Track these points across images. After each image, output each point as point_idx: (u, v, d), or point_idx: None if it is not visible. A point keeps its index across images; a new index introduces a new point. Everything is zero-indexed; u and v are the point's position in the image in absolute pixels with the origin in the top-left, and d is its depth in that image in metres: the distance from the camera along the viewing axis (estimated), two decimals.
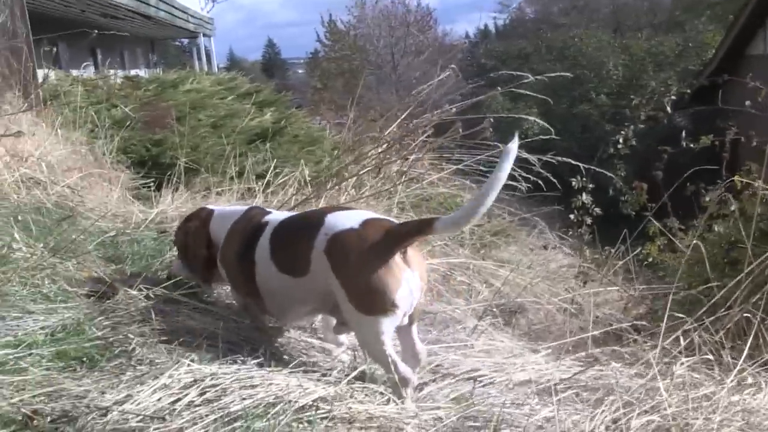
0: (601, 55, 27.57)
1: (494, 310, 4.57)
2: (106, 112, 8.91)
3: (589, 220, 6.80)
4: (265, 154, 9.07)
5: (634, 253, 7.04)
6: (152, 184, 7.67)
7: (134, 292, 3.42)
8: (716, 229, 6.62)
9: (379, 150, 6.18)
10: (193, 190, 7.54)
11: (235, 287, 3.62)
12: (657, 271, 7.69)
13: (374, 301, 2.89)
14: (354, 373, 2.80)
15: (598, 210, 6.77)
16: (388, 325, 2.93)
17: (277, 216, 3.42)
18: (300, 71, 52.90)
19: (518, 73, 5.97)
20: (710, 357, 3.40)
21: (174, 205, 5.44)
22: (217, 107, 11.00)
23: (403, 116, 6.22)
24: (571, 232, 6.88)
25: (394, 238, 2.95)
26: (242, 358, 2.90)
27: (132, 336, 2.99)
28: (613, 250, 6.95)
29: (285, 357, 3.25)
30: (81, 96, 8.37)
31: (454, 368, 3.41)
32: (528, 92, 6.19)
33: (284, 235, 3.28)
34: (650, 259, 7.65)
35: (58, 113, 7.44)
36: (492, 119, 6.49)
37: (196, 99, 10.89)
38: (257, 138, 10.33)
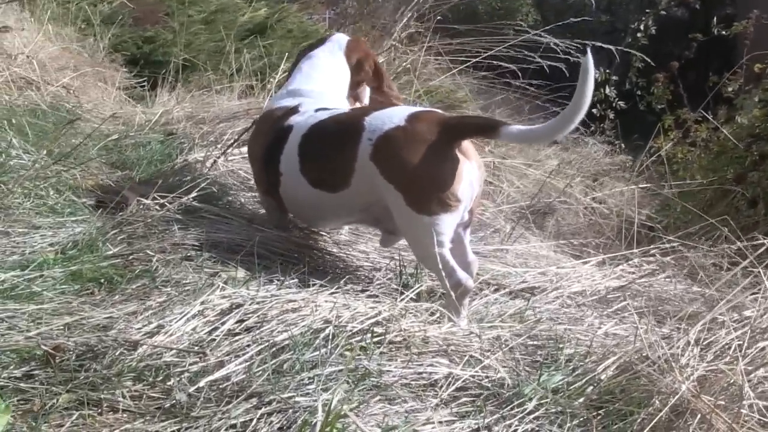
0: None
1: (525, 212, 4.23)
2: (92, 8, 8.35)
3: (611, 115, 6.37)
4: (260, 51, 8.62)
5: (647, 148, 6.70)
6: (146, 83, 7.22)
7: (148, 201, 3.04)
8: (738, 120, 6.23)
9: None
10: (189, 88, 7.09)
11: (257, 182, 3.29)
12: (671, 165, 7.35)
13: (435, 198, 2.58)
14: (410, 294, 2.45)
15: (622, 104, 6.32)
16: (449, 224, 2.63)
17: (305, 118, 3.00)
18: None
19: None
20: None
21: (179, 105, 4.97)
22: (208, 2, 10.37)
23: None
24: (593, 127, 6.45)
25: (450, 132, 2.64)
26: (279, 277, 2.55)
27: (152, 252, 2.63)
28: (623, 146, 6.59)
29: (326, 271, 2.90)
30: None
31: (495, 279, 3.09)
32: None
33: (317, 144, 2.89)
34: (662, 154, 7.29)
35: (45, 8, 6.88)
36: None
37: None
38: (250, 34, 9.78)
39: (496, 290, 3.00)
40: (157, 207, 2.97)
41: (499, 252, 3.51)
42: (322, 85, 3.26)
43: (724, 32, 6.31)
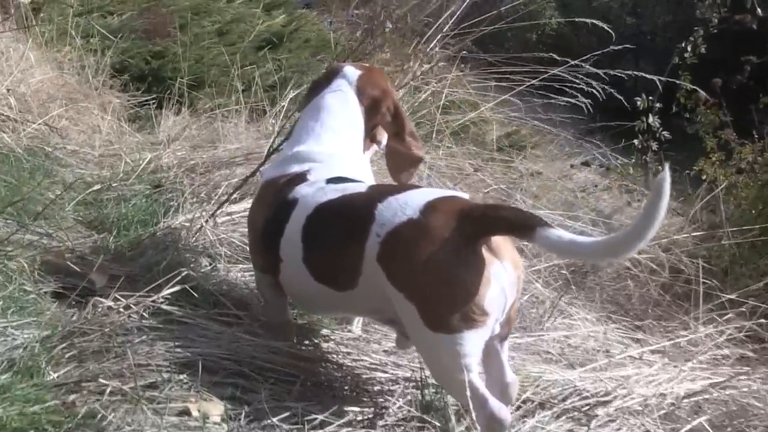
0: None
1: (564, 272, 3.58)
2: (101, 20, 7.79)
3: (655, 146, 5.68)
4: (275, 63, 8.07)
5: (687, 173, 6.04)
6: (152, 102, 6.65)
7: (108, 303, 2.40)
8: None
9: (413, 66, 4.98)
10: (196, 109, 6.52)
11: (252, 254, 2.70)
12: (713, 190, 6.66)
13: (456, 311, 1.99)
14: None
15: (666, 134, 5.62)
16: (474, 344, 2.03)
17: (313, 192, 2.39)
18: None
19: None
20: None
21: (170, 147, 4.31)
22: (223, 12, 9.78)
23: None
24: (633, 160, 5.76)
25: (474, 227, 2.03)
26: (268, 414, 1.94)
27: (105, 380, 2.02)
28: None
29: (329, 393, 2.27)
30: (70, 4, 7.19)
31: (538, 389, 2.45)
32: None
33: (323, 231, 2.30)
34: (704, 177, 6.61)
35: (46, 26, 6.29)
36: None
37: (200, 3, 9.67)
38: (266, 44, 9.20)
39: (542, 406, 2.37)
40: (121, 309, 2.34)
41: (540, 340, 2.88)
42: (334, 144, 2.63)
43: None
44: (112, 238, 3.14)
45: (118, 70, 7.11)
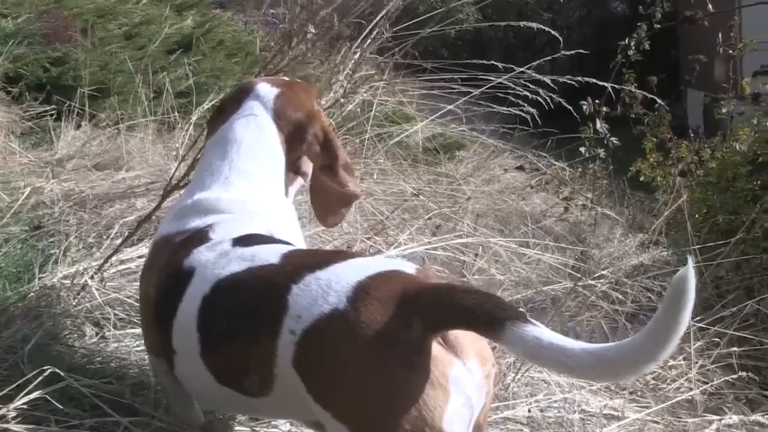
0: None
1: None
2: None
3: (602, 153, 5.22)
4: (188, 68, 7.44)
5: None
6: (51, 114, 5.98)
7: None
8: (736, 146, 5.19)
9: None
10: (99, 121, 5.84)
11: (143, 330, 2.11)
12: (650, 191, 6.35)
13: None
14: None
15: (614, 140, 5.15)
16: None
17: (214, 259, 1.82)
18: None
19: None
20: None
21: (54, 180, 3.62)
22: (130, 14, 9.04)
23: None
24: (580, 170, 5.29)
25: (425, 319, 1.48)
26: None
27: None
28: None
29: None
30: None
31: None
32: None
33: (222, 318, 1.73)
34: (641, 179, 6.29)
35: None
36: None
37: (105, 5, 8.92)
38: (177, 47, 8.54)
39: None
40: None
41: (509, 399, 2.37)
42: (246, 189, 2.06)
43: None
44: None
45: (12, 79, 6.41)
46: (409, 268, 1.63)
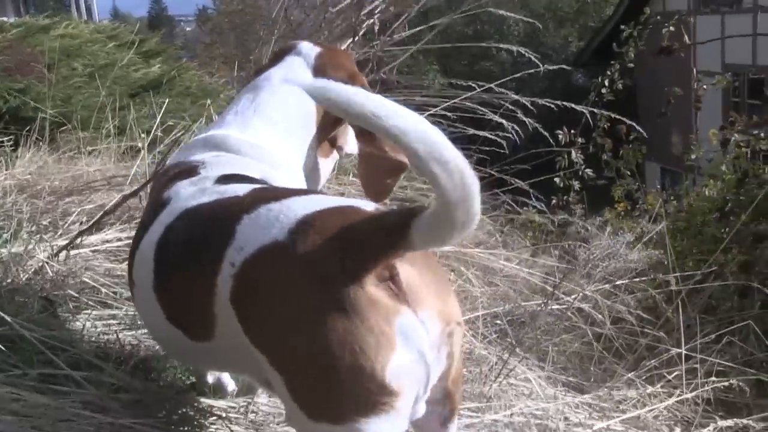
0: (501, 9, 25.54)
1: (499, 322, 2.87)
2: None
3: (577, 185, 5.12)
4: (152, 108, 7.25)
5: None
6: (8, 143, 5.70)
7: None
8: (706, 192, 5.17)
9: None
10: (57, 147, 5.58)
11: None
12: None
13: (341, 393, 1.26)
14: None
15: (589, 171, 5.05)
16: None
17: (190, 193, 1.64)
18: (189, 28, 48.60)
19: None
20: None
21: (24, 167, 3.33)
22: (96, 55, 8.91)
23: None
24: (554, 200, 5.16)
25: (363, 254, 1.28)
26: None
27: None
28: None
29: None
30: None
31: None
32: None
33: (174, 249, 1.54)
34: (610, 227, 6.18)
35: None
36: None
37: (71, 45, 8.78)
38: (142, 90, 8.40)
39: None
40: None
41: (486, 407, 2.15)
42: (264, 134, 1.87)
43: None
44: None
45: None
46: (370, 206, 1.42)
